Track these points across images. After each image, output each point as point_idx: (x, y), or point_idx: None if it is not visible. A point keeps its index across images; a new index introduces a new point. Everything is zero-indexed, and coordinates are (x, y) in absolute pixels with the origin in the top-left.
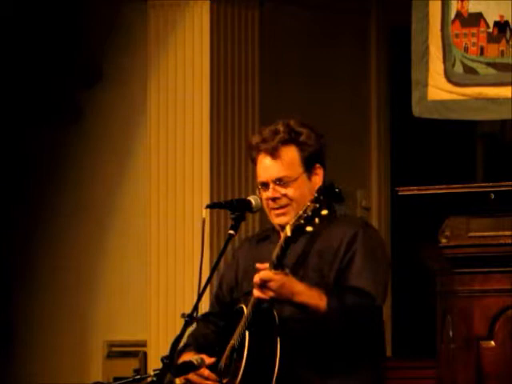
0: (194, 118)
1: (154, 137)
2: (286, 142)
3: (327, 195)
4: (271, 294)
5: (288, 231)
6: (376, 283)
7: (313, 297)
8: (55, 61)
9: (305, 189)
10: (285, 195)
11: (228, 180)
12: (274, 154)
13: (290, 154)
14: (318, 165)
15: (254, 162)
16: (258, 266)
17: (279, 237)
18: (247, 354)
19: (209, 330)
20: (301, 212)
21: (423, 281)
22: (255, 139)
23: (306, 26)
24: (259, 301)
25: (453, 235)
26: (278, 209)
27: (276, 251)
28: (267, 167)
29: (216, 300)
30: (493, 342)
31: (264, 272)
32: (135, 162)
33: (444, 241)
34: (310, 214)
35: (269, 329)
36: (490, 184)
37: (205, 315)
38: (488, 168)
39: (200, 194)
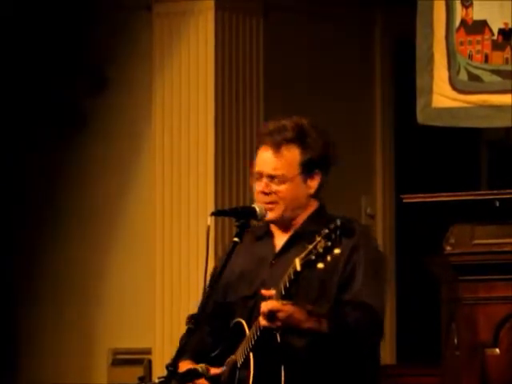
0: (198, 125)
1: (159, 144)
2: (290, 141)
3: (340, 233)
4: (279, 324)
5: (298, 266)
6: (378, 296)
7: (317, 322)
8: (60, 68)
9: (298, 191)
10: (275, 193)
11: (233, 187)
12: (275, 149)
13: (291, 153)
14: (317, 170)
15: (256, 150)
16: (264, 292)
17: (273, 238)
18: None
19: (203, 331)
20: (311, 246)
21: (428, 288)
22: (263, 130)
23: (311, 34)
24: (265, 328)
25: (457, 243)
26: (266, 204)
27: (284, 281)
28: (265, 160)
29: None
30: (497, 350)
31: (272, 302)
32: (140, 169)
33: (449, 248)
34: (321, 251)
35: (273, 353)
36: (495, 191)
37: (201, 316)
38: (493, 175)
39: (205, 202)
